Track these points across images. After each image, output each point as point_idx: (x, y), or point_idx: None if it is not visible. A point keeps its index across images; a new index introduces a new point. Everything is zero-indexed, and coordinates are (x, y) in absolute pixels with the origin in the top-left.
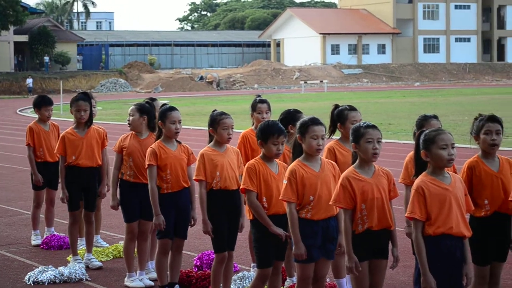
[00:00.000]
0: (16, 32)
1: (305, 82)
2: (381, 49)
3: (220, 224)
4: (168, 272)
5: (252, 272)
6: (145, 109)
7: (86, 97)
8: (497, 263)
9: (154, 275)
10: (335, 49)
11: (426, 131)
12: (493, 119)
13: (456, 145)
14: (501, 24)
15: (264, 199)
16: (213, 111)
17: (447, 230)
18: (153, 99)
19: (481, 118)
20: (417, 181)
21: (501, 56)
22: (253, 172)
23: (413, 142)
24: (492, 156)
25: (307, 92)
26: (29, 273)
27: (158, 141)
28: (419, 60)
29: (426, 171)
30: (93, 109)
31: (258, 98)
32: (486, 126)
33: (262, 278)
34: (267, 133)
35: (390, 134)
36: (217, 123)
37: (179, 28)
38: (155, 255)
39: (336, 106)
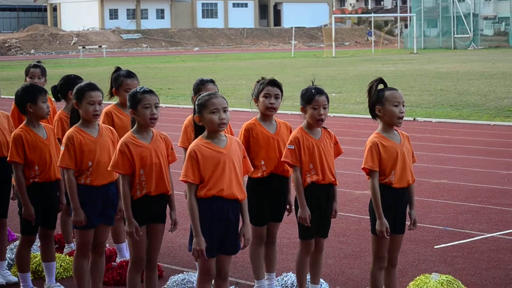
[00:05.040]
0: None
1: (83, 47)
2: (160, 14)
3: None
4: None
5: None
6: None
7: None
8: (273, 223)
9: None
10: (114, 14)
11: (200, 95)
12: (273, 83)
13: (234, 109)
14: None
15: (37, 167)
16: None
17: (218, 192)
18: None
19: (262, 81)
20: (191, 145)
21: (277, 21)
22: (19, 142)
23: (191, 106)
24: (269, 119)
25: (86, 58)
26: None
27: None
28: (198, 25)
29: (202, 135)
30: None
31: (32, 64)
32: (266, 90)
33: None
34: (32, 94)
35: (170, 99)
36: None
37: None
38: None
39: (117, 69)
